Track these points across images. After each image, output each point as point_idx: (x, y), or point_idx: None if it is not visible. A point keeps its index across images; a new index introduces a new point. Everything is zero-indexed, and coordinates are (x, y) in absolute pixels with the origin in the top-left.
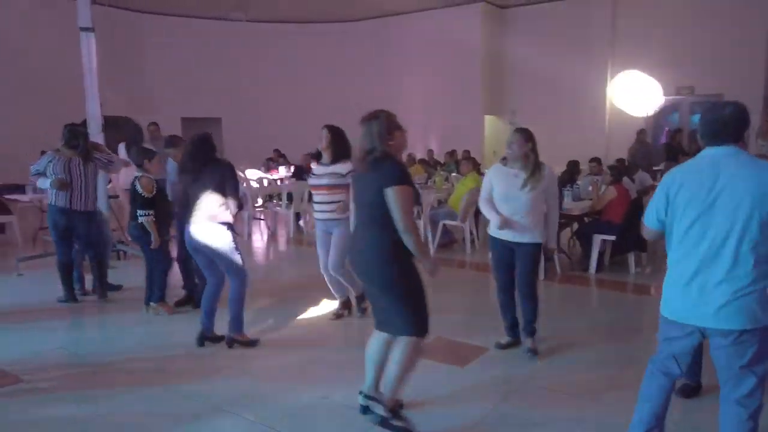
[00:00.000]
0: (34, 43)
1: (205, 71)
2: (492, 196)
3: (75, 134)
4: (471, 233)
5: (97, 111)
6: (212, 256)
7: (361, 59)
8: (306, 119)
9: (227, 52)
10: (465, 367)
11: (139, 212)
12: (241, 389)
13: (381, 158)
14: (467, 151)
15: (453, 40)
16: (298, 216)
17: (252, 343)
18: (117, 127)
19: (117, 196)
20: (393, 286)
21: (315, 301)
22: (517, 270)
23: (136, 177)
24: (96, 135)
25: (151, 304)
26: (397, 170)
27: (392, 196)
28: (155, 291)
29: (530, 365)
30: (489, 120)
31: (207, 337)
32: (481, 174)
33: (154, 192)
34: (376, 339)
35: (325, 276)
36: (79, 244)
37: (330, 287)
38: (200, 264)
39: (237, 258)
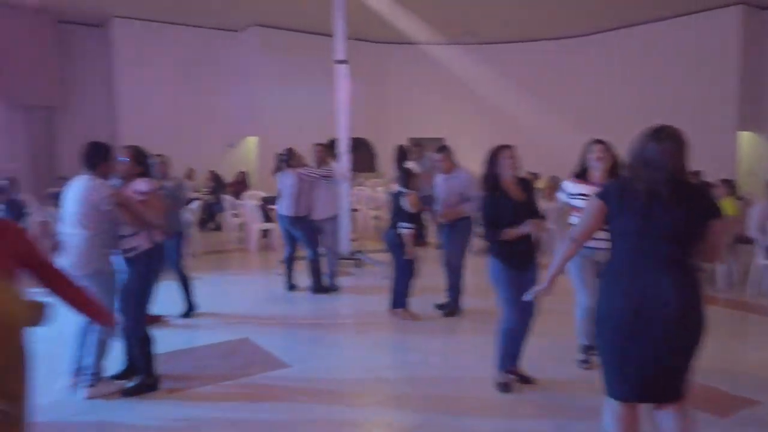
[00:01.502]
0: (294, 75)
1: (432, 93)
2: None
3: (280, 155)
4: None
5: (346, 134)
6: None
7: (598, 72)
8: (523, 137)
9: (455, 73)
10: (726, 419)
11: (402, 225)
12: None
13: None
14: (697, 171)
15: (704, 47)
16: None
17: (526, 380)
18: (357, 147)
19: (357, 210)
20: (702, 335)
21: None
22: None
23: (401, 192)
24: (344, 155)
25: (397, 310)
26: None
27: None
28: (398, 298)
29: None
30: (744, 136)
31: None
32: (740, 199)
33: (419, 209)
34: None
35: (580, 314)
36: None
37: (581, 332)
38: None
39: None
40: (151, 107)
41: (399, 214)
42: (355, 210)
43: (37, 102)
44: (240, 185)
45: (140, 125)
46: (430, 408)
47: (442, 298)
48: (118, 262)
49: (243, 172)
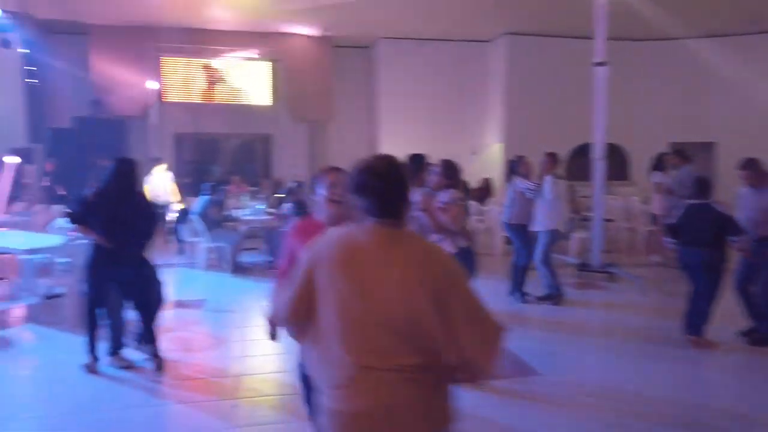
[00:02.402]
0: (541, 81)
1: (696, 93)
2: None
3: (510, 161)
4: None
5: (602, 138)
6: None
7: None
8: None
9: (727, 69)
10: None
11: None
12: None
13: None
14: None
15: None
16: None
17: None
18: (609, 153)
19: (612, 220)
20: None
21: None
22: None
23: (703, 206)
24: (599, 161)
25: (692, 337)
26: None
27: None
28: (695, 324)
29: None
30: None
31: None
32: None
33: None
34: None
35: None
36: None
37: None
38: None
39: None
40: (406, 118)
41: (702, 230)
42: (608, 221)
43: (316, 116)
44: (484, 191)
45: (397, 134)
46: None
47: (741, 324)
48: None
49: (487, 179)
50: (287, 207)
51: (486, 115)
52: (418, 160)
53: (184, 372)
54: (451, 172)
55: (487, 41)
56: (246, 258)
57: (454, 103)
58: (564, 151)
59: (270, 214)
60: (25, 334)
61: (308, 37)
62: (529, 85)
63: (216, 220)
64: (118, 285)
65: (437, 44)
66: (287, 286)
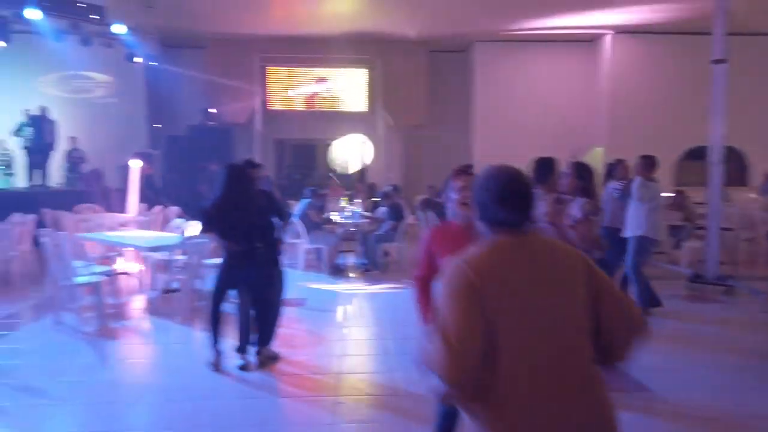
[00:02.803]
0: (659, 77)
1: None
2: None
3: (609, 164)
4: None
5: (719, 141)
6: None
7: None
8: None
9: None
10: None
11: None
12: None
13: None
14: None
15: None
16: None
17: None
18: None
19: (731, 229)
20: None
21: None
22: None
23: None
24: (716, 165)
25: None
26: None
27: None
28: None
29: None
30: None
31: None
32: None
33: None
34: None
35: None
36: None
37: None
38: None
39: None
40: (502, 122)
41: None
42: (726, 230)
43: (411, 121)
44: None
45: (493, 139)
46: None
47: None
48: None
49: None
50: (382, 211)
51: (587, 117)
52: (547, 164)
53: (288, 368)
54: (583, 173)
55: (589, 41)
56: (342, 260)
57: (552, 107)
58: (674, 154)
59: (365, 217)
60: (144, 325)
61: (405, 42)
62: (634, 85)
63: (315, 223)
64: (245, 285)
65: (535, 46)
66: (442, 326)
